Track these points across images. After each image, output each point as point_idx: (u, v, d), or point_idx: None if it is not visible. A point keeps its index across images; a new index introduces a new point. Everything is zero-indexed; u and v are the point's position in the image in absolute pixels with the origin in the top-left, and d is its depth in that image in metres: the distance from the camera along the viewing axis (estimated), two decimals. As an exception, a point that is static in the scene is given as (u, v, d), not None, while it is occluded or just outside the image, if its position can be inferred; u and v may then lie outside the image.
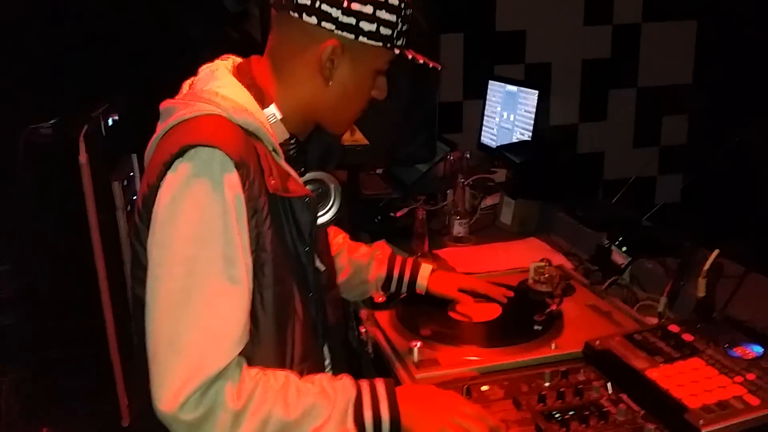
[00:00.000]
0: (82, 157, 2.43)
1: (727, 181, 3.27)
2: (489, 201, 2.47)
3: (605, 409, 1.22)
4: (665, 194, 3.72)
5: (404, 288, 1.67)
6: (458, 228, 2.25)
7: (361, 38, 1.17)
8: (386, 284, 1.67)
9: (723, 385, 1.20)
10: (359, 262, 1.66)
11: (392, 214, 2.32)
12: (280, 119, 1.21)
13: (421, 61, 1.25)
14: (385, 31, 1.18)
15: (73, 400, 2.46)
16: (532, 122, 2.62)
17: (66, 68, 2.66)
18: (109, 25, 2.86)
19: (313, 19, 1.15)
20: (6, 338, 2.46)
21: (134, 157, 2.91)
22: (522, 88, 2.74)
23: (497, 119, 2.91)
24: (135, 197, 2.92)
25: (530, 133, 2.62)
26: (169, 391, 1.01)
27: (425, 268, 1.68)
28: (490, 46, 3.57)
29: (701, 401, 1.16)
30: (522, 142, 2.63)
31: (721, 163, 3.23)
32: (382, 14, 1.16)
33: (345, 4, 1.14)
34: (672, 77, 3.81)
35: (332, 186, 1.29)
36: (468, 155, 2.51)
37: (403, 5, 1.19)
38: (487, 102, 3.01)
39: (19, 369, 2.40)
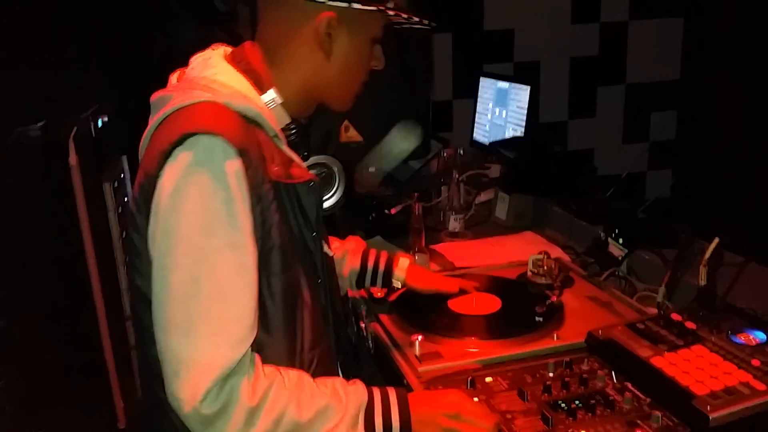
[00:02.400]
0: (72, 159, 2.40)
1: (716, 174, 3.30)
2: (483, 197, 2.47)
3: (611, 398, 1.22)
4: (655, 189, 3.75)
5: (379, 281, 1.63)
6: (454, 223, 2.25)
7: (354, 5, 1.16)
8: (360, 278, 1.63)
9: (728, 372, 1.20)
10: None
11: (386, 211, 2.31)
12: (281, 103, 1.19)
13: (416, 20, 1.24)
14: None
15: (68, 404, 2.43)
16: (525, 118, 2.62)
17: (54, 69, 2.63)
18: (97, 25, 2.84)
19: None
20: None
21: (124, 158, 2.88)
22: (514, 84, 2.74)
23: (489, 116, 2.91)
24: (126, 198, 2.90)
25: (523, 129, 2.62)
26: (188, 385, 1.00)
27: (403, 261, 1.64)
28: (479, 45, 3.59)
29: (708, 388, 1.16)
30: (515, 138, 2.63)
31: (710, 157, 3.26)
32: None
33: None
34: (659, 74, 3.85)
35: (336, 169, 1.28)
36: (461, 152, 2.51)
37: None
38: (478, 99, 3.01)
39: (12, 373, 2.37)
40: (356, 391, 1.13)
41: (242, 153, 1.05)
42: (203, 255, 1.02)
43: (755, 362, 1.21)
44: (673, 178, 3.79)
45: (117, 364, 2.55)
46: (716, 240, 1.41)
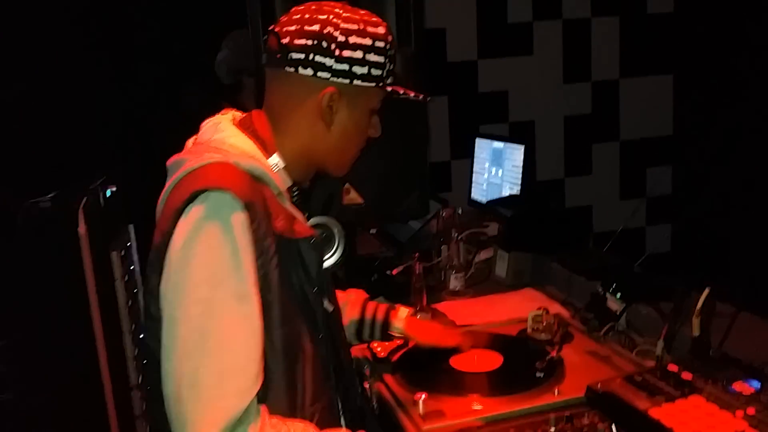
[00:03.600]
0: (81, 229, 2.45)
1: (712, 226, 3.34)
2: (483, 255, 2.50)
3: (612, 451, 1.24)
4: (655, 244, 3.78)
5: (378, 332, 1.68)
6: (454, 282, 2.28)
7: (355, 82, 1.25)
8: (359, 329, 1.68)
9: (725, 421, 1.22)
10: None
11: (388, 272, 2.35)
12: (283, 167, 1.28)
13: (412, 95, 1.34)
14: (375, 72, 1.26)
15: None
16: (520, 176, 2.69)
17: (63, 141, 2.72)
18: (105, 97, 2.94)
19: (309, 71, 1.23)
20: (5, 415, 2.43)
21: (131, 227, 2.94)
22: (508, 144, 2.82)
23: (486, 175, 2.98)
24: (132, 267, 2.95)
25: (519, 187, 2.69)
26: None
27: (402, 311, 1.69)
28: (474, 107, 3.68)
29: (705, 437, 1.18)
30: (512, 196, 2.69)
31: (705, 210, 3.31)
32: (372, 57, 1.25)
33: (337, 53, 1.22)
34: (653, 129, 3.92)
35: (336, 230, 1.34)
36: (460, 211, 2.56)
37: (388, 46, 1.28)
38: (475, 159, 3.08)
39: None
40: None
41: (248, 206, 1.12)
42: (210, 306, 1.07)
43: (750, 411, 1.23)
44: (672, 232, 3.83)
45: (123, 432, 2.55)
46: (707, 290, 1.44)
